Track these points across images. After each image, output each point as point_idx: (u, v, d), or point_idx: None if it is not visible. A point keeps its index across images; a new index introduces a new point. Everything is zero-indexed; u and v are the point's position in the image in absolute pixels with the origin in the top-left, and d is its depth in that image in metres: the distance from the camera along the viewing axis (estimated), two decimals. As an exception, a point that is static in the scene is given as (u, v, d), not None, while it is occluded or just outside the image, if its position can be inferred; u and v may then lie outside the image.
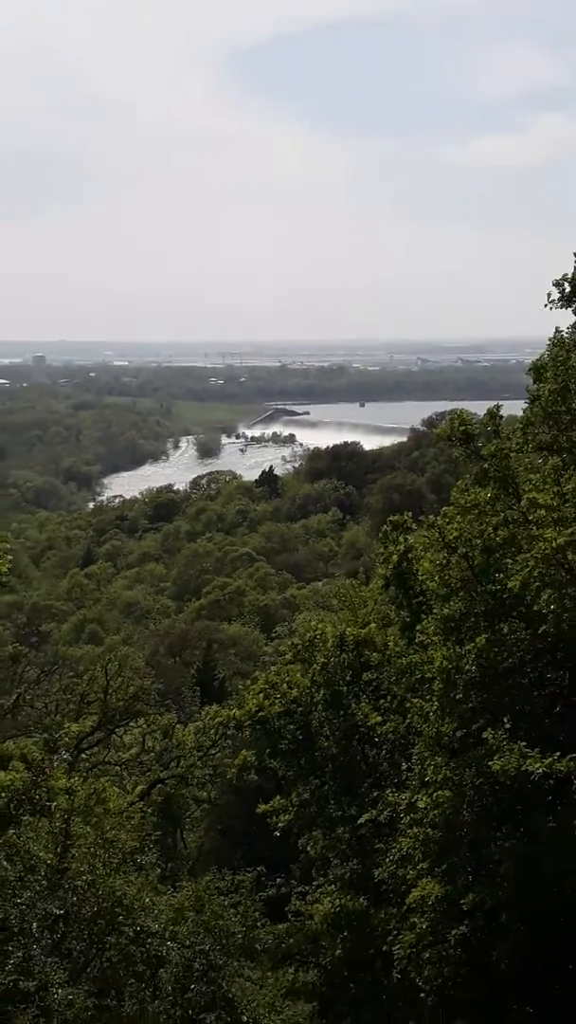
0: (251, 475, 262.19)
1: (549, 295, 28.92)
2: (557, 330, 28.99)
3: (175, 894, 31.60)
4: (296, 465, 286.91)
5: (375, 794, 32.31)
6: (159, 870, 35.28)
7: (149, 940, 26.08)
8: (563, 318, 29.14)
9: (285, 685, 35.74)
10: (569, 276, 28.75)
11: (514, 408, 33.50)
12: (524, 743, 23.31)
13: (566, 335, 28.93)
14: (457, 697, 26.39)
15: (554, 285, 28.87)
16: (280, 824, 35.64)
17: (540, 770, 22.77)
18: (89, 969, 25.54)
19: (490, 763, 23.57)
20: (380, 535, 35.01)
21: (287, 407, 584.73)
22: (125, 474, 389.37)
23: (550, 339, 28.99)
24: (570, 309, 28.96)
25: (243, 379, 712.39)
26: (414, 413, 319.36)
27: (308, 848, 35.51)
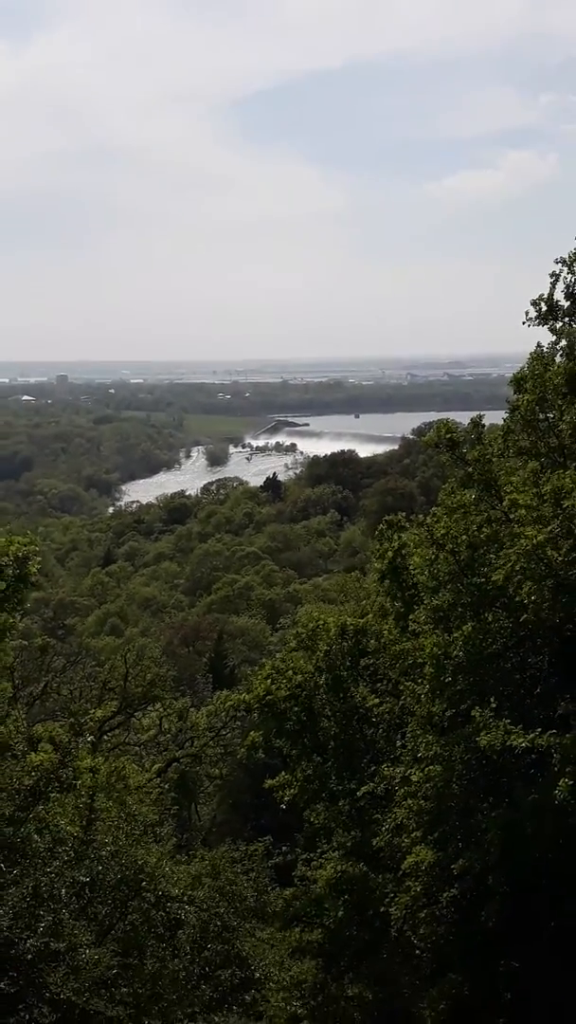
0: (256, 481, 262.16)
1: (527, 313, 28.94)
2: (538, 345, 29.02)
3: (191, 863, 31.64)
4: (297, 472, 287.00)
5: (372, 769, 32.28)
6: (175, 840, 35.33)
7: (169, 904, 26.14)
8: (539, 334, 29.19)
9: (290, 671, 35.71)
10: (544, 296, 28.76)
11: (495, 418, 33.51)
12: (508, 721, 23.36)
13: (545, 350, 28.95)
14: (446, 680, 26.41)
15: (531, 304, 28.88)
16: (286, 798, 35.60)
17: (523, 744, 22.81)
18: (113, 931, 25.59)
19: (477, 739, 23.60)
20: (376, 534, 35.04)
21: (289, 419, 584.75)
22: (141, 481, 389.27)
23: (531, 354, 29.01)
24: (546, 326, 28.98)
25: (248, 394, 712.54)
26: (404, 423, 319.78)
27: (312, 819, 35.47)
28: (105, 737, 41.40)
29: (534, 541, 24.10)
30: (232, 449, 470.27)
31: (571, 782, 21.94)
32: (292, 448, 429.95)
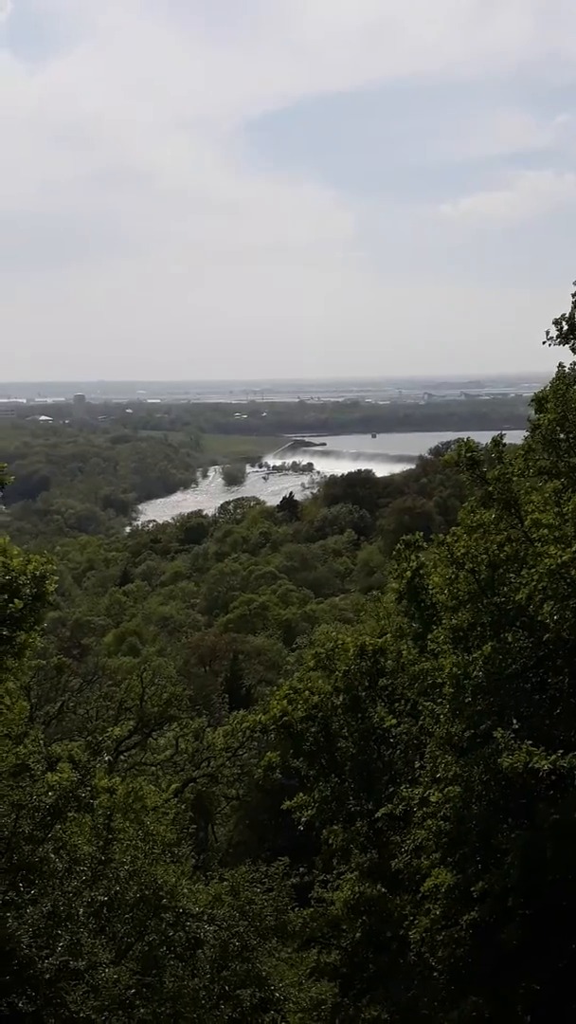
0: (273, 501, 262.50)
1: (548, 332, 28.96)
2: (560, 365, 29.03)
3: (210, 883, 31.59)
4: (314, 491, 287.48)
5: (391, 790, 32.18)
6: (193, 861, 35.28)
7: (188, 923, 26.09)
8: (560, 354, 29.21)
9: (307, 691, 35.64)
10: (567, 315, 28.79)
11: (514, 437, 33.49)
12: (530, 742, 23.28)
13: (568, 370, 28.97)
14: (466, 700, 26.32)
15: (553, 324, 28.90)
16: (303, 818, 35.48)
17: (546, 767, 22.72)
18: (132, 950, 25.55)
19: (499, 760, 23.52)
20: (394, 553, 34.99)
21: (305, 439, 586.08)
22: (158, 501, 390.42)
23: (556, 373, 29.04)
24: (567, 346, 29.00)
25: (265, 414, 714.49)
26: (422, 443, 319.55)
27: (329, 840, 35.35)
28: (122, 757, 41.48)
29: (558, 561, 24.09)
30: (249, 469, 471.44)
31: (592, 803, 21.88)
32: (309, 468, 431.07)
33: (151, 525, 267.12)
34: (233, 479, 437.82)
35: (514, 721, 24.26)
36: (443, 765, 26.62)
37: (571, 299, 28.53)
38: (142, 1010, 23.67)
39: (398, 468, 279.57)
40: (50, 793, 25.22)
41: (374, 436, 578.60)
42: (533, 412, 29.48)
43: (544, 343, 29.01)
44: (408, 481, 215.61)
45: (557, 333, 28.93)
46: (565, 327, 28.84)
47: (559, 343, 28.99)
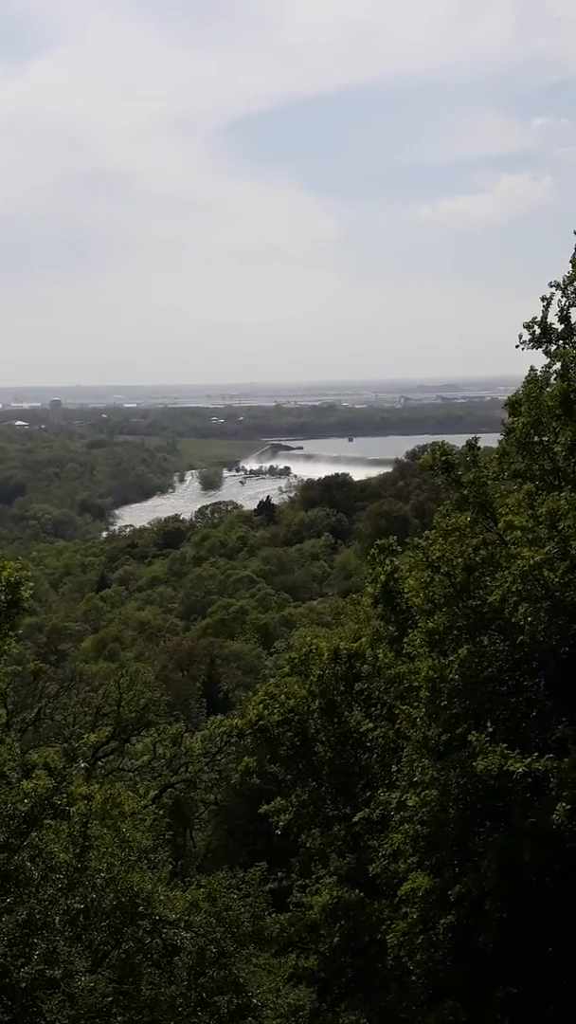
0: (250, 505, 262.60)
1: (521, 336, 28.97)
2: (532, 369, 29.04)
3: (187, 889, 31.47)
4: (291, 495, 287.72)
5: (368, 794, 32.20)
6: (171, 867, 35.14)
7: (165, 930, 25.98)
8: (533, 358, 29.22)
9: (283, 696, 35.64)
10: (538, 319, 28.80)
11: (489, 440, 33.53)
12: (505, 745, 23.27)
13: (539, 373, 28.97)
14: (442, 704, 26.32)
15: (524, 327, 28.91)
16: (281, 823, 35.48)
17: (520, 769, 22.71)
18: (109, 958, 25.41)
19: (474, 764, 23.49)
20: (369, 557, 35.00)
21: (282, 442, 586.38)
22: (135, 505, 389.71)
23: (526, 377, 29.03)
24: (540, 349, 29.02)
25: (242, 418, 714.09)
26: (398, 446, 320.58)
27: (307, 844, 35.36)
28: (99, 763, 41.26)
29: (530, 562, 24.09)
30: (226, 473, 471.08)
31: (568, 806, 21.84)
32: (286, 471, 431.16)
33: (128, 530, 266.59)
34: (210, 483, 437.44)
35: (489, 724, 24.24)
36: (420, 769, 26.60)
37: (541, 303, 28.58)
38: (119, 1018, 23.57)
39: (375, 472, 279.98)
40: (25, 800, 25.05)
41: (351, 440, 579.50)
42: (507, 416, 29.50)
43: (517, 347, 29.05)
44: (385, 485, 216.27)
45: (530, 337, 28.94)
46: (537, 331, 28.85)
47: (532, 347, 29.00)
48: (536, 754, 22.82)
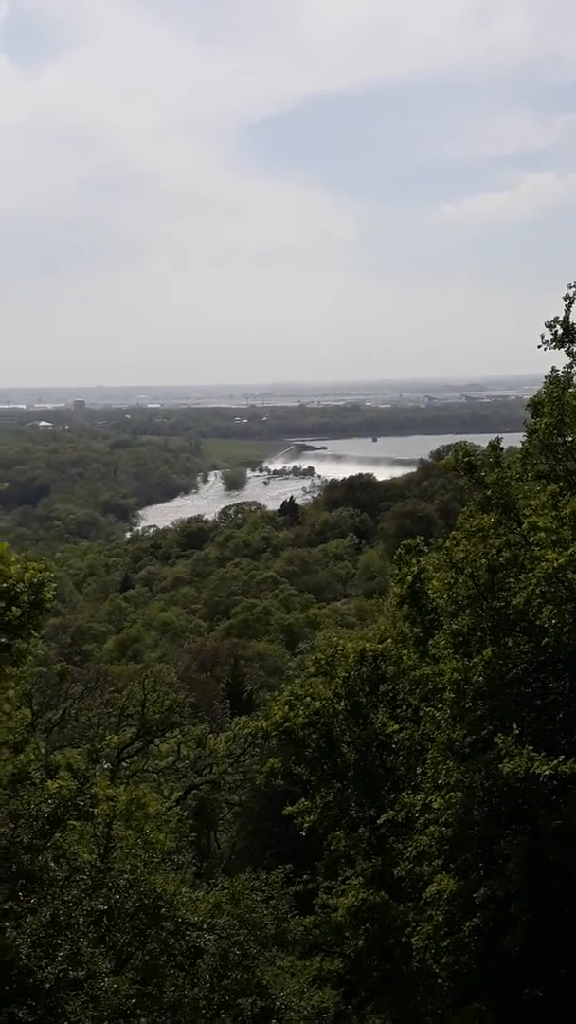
0: (274, 505, 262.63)
1: (543, 336, 28.85)
2: (553, 369, 28.93)
3: (211, 891, 31.52)
4: (315, 495, 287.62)
5: (393, 796, 32.12)
6: (195, 868, 35.22)
7: (188, 932, 26.04)
8: (557, 357, 29.11)
9: (308, 697, 35.60)
10: (560, 319, 28.68)
11: (513, 440, 33.44)
12: (531, 747, 23.22)
13: (561, 374, 28.88)
14: (467, 706, 26.27)
15: (546, 327, 28.77)
16: (306, 825, 35.43)
17: (547, 772, 22.65)
18: (132, 960, 25.49)
19: (500, 766, 23.44)
20: (394, 558, 34.90)
21: (306, 443, 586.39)
22: (159, 506, 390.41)
23: (546, 377, 28.94)
24: (562, 349, 28.90)
25: (265, 418, 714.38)
26: (422, 446, 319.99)
27: (332, 847, 35.30)
28: (123, 764, 41.39)
29: (556, 564, 24.04)
30: (249, 473, 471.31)
31: (594, 808, 21.82)
32: (309, 472, 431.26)
33: (151, 530, 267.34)
34: (233, 484, 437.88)
35: (515, 726, 24.17)
36: (444, 771, 26.53)
37: (564, 302, 28.46)
38: (142, 1020, 23.61)
39: (399, 472, 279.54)
40: (49, 801, 25.16)
41: (375, 440, 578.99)
42: (530, 416, 29.41)
43: (539, 347, 28.94)
44: (409, 485, 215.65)
45: (552, 337, 28.82)
46: (559, 330, 28.73)
47: (554, 347, 28.88)
48: (562, 756, 22.76)
